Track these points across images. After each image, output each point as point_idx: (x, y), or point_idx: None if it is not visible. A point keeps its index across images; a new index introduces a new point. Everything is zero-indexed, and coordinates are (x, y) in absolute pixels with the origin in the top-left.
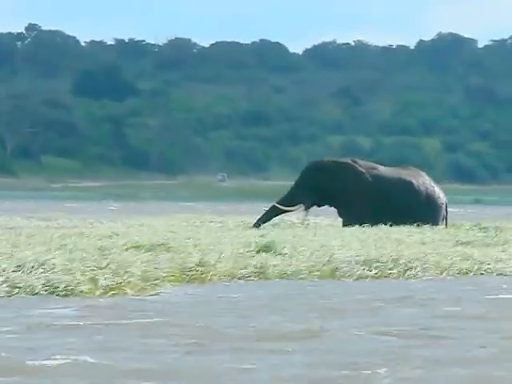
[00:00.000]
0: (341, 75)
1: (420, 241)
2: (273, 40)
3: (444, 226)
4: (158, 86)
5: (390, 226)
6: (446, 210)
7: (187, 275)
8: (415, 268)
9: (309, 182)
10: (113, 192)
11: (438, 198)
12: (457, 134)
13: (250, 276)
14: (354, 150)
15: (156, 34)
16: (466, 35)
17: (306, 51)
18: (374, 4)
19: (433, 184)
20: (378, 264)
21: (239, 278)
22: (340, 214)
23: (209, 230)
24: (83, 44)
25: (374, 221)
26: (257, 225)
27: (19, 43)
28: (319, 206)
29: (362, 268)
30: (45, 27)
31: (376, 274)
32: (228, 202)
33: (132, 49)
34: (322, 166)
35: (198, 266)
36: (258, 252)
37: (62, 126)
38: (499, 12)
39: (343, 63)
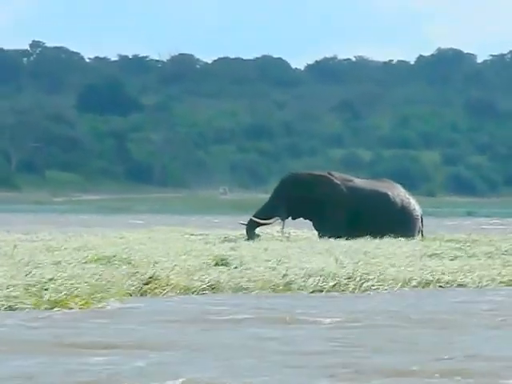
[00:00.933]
0: (341, 89)
1: (388, 253)
2: (275, 56)
3: (420, 238)
4: (161, 101)
5: (366, 238)
6: (422, 221)
7: (138, 289)
8: (372, 280)
9: (284, 195)
10: (110, 205)
11: (414, 209)
12: (456, 147)
13: (204, 290)
14: (354, 163)
15: (159, 50)
16: (466, 50)
17: (308, 66)
18: (375, 19)
19: (408, 196)
20: (336, 277)
21: (193, 292)
22: (315, 227)
23: (181, 244)
24: (87, 60)
25: (350, 233)
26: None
27: (25, 59)
28: (294, 218)
29: (318, 281)
30: (49, 44)
31: (333, 287)
32: (227, 215)
33: (135, 64)
34: (297, 178)
35: (150, 279)
36: (215, 265)
37: (66, 141)
38: (498, 27)
39: (344, 78)
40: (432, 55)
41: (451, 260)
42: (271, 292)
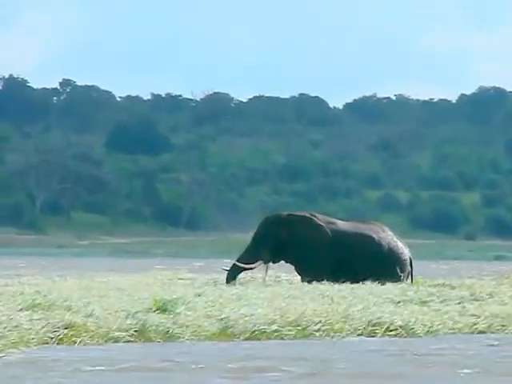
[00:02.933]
0: (380, 128)
1: (353, 298)
2: (312, 94)
3: (409, 282)
4: (193, 141)
5: (350, 282)
6: (411, 265)
7: (53, 336)
8: (314, 327)
9: (266, 237)
10: (133, 249)
11: (401, 253)
12: (497, 189)
13: (129, 337)
14: (391, 205)
15: (193, 89)
16: (508, 88)
17: (346, 105)
18: (416, 58)
19: (395, 239)
20: (278, 323)
21: (115, 340)
22: (297, 270)
23: (146, 288)
24: (118, 99)
25: (333, 277)
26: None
27: (55, 98)
28: (274, 262)
29: (257, 327)
30: (80, 82)
31: (272, 332)
32: None
33: (168, 103)
34: (278, 219)
35: (68, 326)
36: (155, 311)
37: (93, 181)
38: None
39: (383, 117)
40: (474, 93)
41: (419, 305)
42: (203, 339)
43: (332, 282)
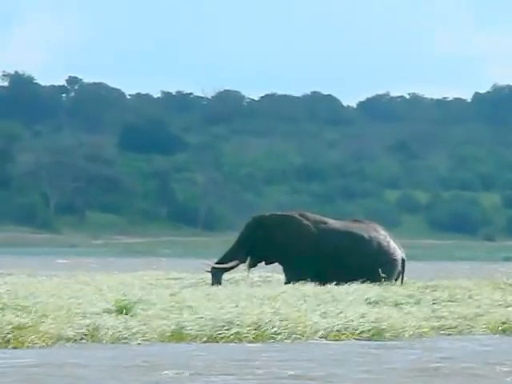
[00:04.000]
0: (395, 128)
1: (328, 299)
2: (325, 92)
3: (399, 283)
4: (206, 140)
5: (338, 282)
6: (403, 266)
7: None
8: (273, 330)
9: (246, 238)
10: (138, 248)
11: (392, 253)
12: None
13: (80, 339)
14: (410, 205)
15: (204, 86)
16: None
17: (360, 104)
18: (429, 56)
19: (388, 239)
20: (239, 325)
21: (67, 340)
22: (284, 271)
23: (125, 288)
24: (128, 97)
25: (320, 277)
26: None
27: (63, 96)
28: (256, 263)
29: (214, 330)
30: (86, 80)
31: (231, 335)
32: None
33: (179, 102)
34: (257, 220)
35: (18, 328)
36: (116, 312)
37: (106, 181)
38: None
39: (397, 116)
40: (488, 92)
41: (393, 307)
42: (157, 341)
43: (319, 282)
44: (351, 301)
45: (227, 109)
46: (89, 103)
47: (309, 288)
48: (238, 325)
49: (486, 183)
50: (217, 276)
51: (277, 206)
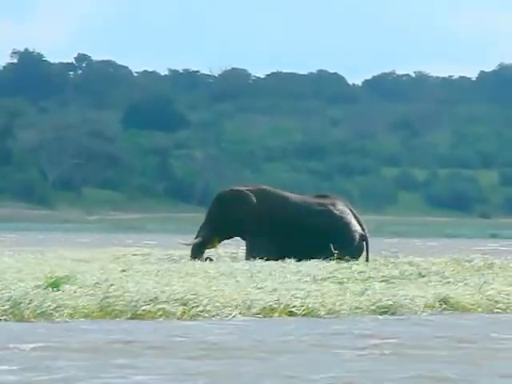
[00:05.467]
0: (400, 107)
1: (274, 276)
2: (331, 71)
3: (364, 261)
4: (209, 118)
5: (298, 259)
6: (367, 243)
7: None
8: (201, 307)
9: (211, 213)
10: (130, 224)
11: (354, 230)
12: None
13: (2, 315)
14: (408, 183)
15: (211, 65)
16: None
17: (365, 82)
18: (435, 34)
19: (345, 215)
20: (162, 301)
21: None
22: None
23: (82, 264)
24: (135, 74)
25: (277, 254)
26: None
27: (71, 73)
28: (220, 239)
29: (139, 306)
30: (96, 57)
31: (157, 311)
32: None
33: (186, 80)
34: (221, 196)
35: None
36: (46, 287)
37: (106, 158)
38: None
39: (402, 94)
40: (494, 71)
41: (334, 284)
42: (81, 318)
43: (277, 258)
44: (298, 278)
45: (233, 86)
46: (96, 80)
47: (260, 265)
48: (164, 301)
49: (486, 161)
50: (196, 252)
51: (275, 183)
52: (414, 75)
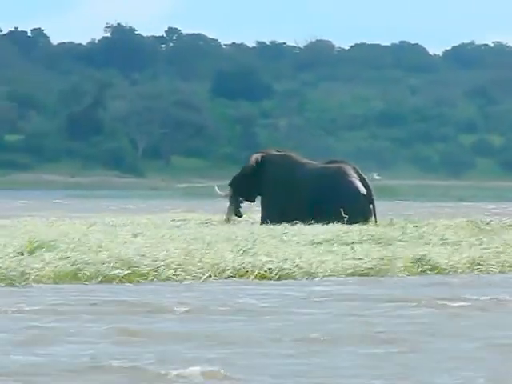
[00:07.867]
0: (477, 75)
1: (270, 241)
2: (412, 42)
3: (373, 223)
4: (293, 87)
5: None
6: (374, 205)
7: None
8: (171, 271)
9: (238, 175)
10: (210, 192)
11: (352, 193)
12: None
13: None
14: (484, 149)
15: (297, 37)
16: None
17: (445, 52)
18: None
19: (351, 179)
20: (133, 266)
21: None
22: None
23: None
24: (224, 47)
25: (291, 217)
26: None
27: (163, 46)
28: (241, 200)
29: (110, 269)
30: (186, 31)
31: (128, 275)
32: None
33: (272, 51)
34: (250, 159)
35: None
36: (30, 253)
37: (193, 127)
38: None
39: (481, 64)
40: None
41: (326, 247)
42: (50, 282)
43: (289, 221)
44: (296, 241)
45: (317, 57)
46: (186, 53)
47: (266, 229)
48: (134, 266)
49: None
50: (233, 210)
51: (356, 150)
52: (492, 45)
